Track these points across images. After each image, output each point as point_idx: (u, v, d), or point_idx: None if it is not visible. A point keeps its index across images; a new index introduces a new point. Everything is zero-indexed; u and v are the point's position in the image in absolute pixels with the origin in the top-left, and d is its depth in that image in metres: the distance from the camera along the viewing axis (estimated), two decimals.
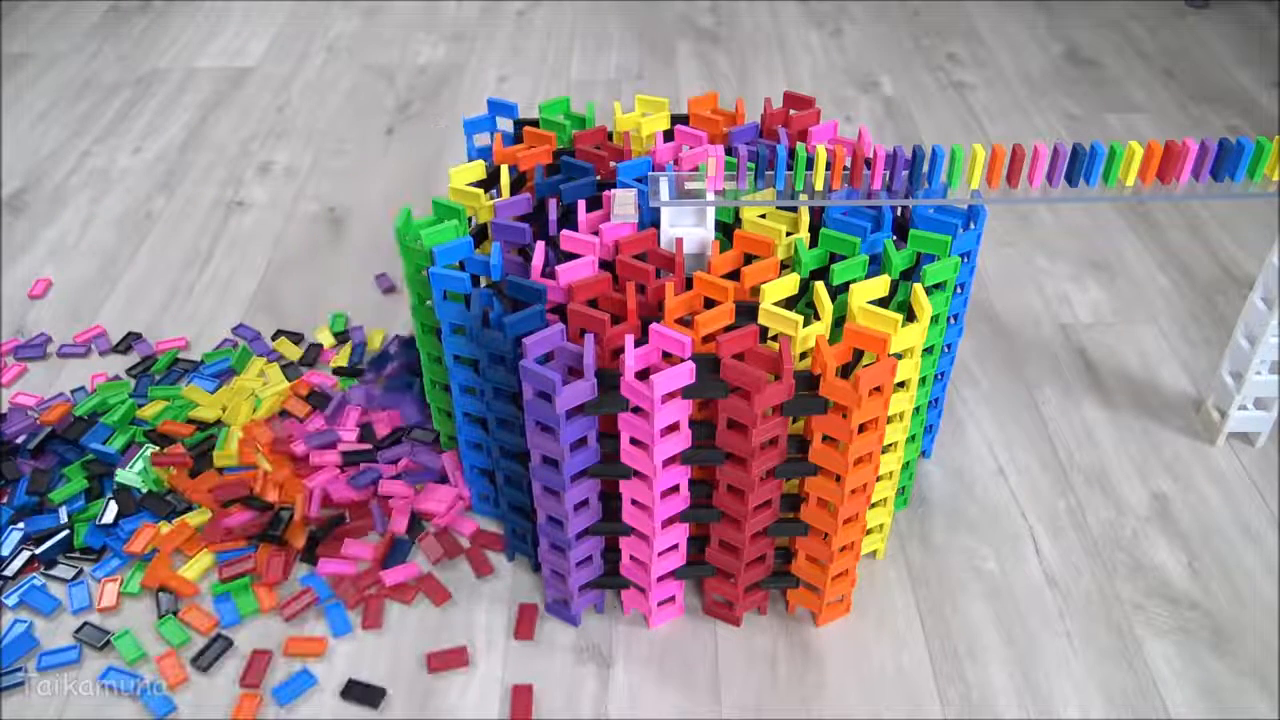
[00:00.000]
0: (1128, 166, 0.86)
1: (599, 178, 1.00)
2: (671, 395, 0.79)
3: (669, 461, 0.83)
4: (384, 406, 1.13)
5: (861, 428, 0.81)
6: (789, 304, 0.88)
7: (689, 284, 0.89)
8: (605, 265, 0.93)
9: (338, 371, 1.19)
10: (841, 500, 0.84)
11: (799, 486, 0.88)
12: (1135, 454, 1.11)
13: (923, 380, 0.94)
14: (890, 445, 0.89)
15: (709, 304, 0.88)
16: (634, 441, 0.83)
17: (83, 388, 1.18)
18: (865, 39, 1.94)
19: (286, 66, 1.87)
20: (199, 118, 1.72)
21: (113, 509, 1.02)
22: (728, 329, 0.84)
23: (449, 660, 0.91)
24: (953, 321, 0.96)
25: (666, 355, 0.82)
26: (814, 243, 0.93)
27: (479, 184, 1.00)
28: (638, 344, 0.81)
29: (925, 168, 0.86)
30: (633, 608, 0.95)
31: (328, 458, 1.07)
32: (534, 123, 1.06)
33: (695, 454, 0.83)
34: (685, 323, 0.85)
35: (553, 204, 0.96)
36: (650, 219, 0.95)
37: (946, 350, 0.99)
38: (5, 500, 1.04)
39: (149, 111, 1.74)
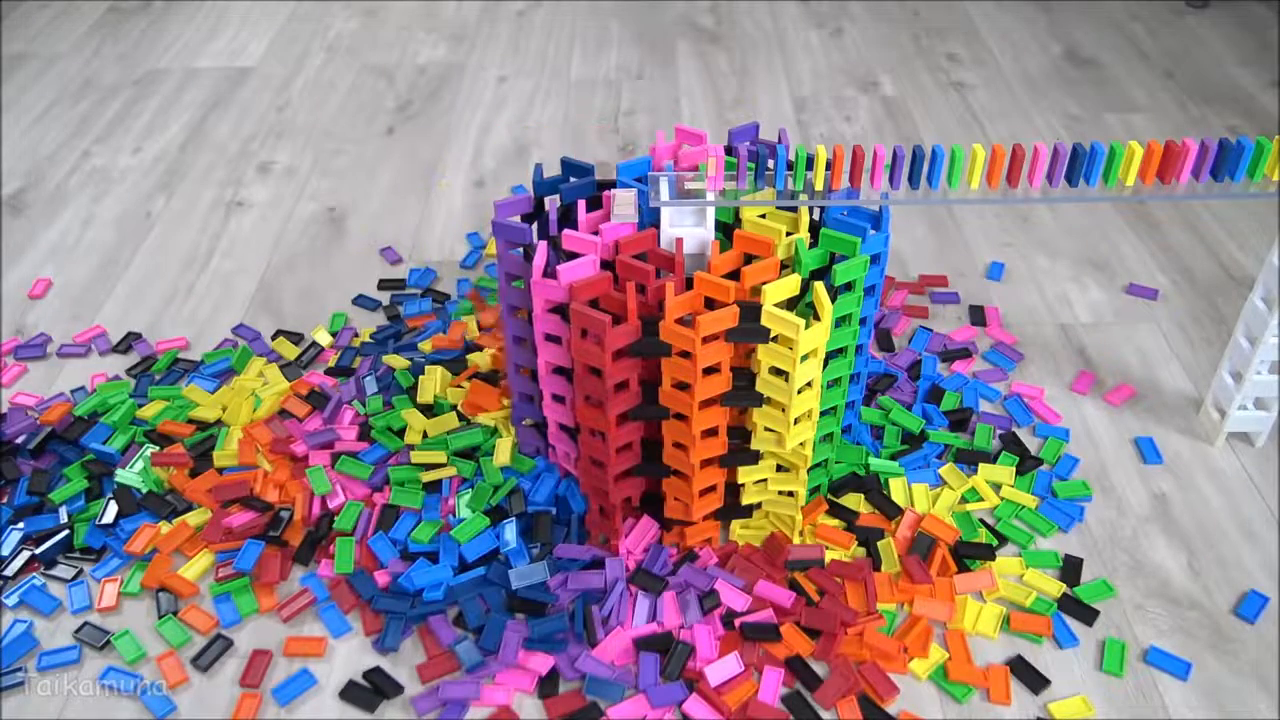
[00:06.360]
0: (1128, 166, 0.86)
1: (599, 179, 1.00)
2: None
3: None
4: None
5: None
6: (789, 304, 0.88)
7: (689, 284, 0.89)
8: (605, 265, 0.93)
9: (330, 372, 1.19)
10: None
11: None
12: (1135, 454, 1.11)
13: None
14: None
15: (709, 304, 0.88)
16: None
17: (83, 388, 1.18)
18: (865, 39, 1.94)
19: (286, 66, 1.87)
20: (199, 118, 1.72)
21: (113, 509, 1.02)
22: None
23: (449, 661, 0.91)
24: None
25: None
26: (814, 242, 0.93)
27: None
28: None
29: (925, 168, 0.86)
30: None
31: (327, 458, 1.07)
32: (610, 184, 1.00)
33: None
34: (685, 323, 0.85)
35: (552, 204, 0.96)
36: (650, 219, 0.95)
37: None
38: (5, 500, 1.04)
39: (149, 111, 1.74)
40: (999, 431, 1.12)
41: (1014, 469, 1.07)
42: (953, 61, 1.86)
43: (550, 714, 0.87)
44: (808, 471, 0.96)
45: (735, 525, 1.00)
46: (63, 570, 0.99)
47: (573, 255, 0.90)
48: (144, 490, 1.04)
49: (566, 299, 0.87)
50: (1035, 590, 0.96)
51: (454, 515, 1.01)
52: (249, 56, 1.90)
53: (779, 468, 0.96)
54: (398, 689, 0.89)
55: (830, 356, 0.92)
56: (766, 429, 0.91)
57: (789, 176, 0.88)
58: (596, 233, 0.93)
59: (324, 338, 1.25)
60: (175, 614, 0.95)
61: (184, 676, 0.90)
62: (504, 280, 0.96)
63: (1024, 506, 1.04)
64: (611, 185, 0.98)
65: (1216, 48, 1.88)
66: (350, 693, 0.89)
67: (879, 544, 0.99)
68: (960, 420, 1.12)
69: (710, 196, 0.89)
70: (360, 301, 1.31)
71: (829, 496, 1.03)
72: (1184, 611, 0.95)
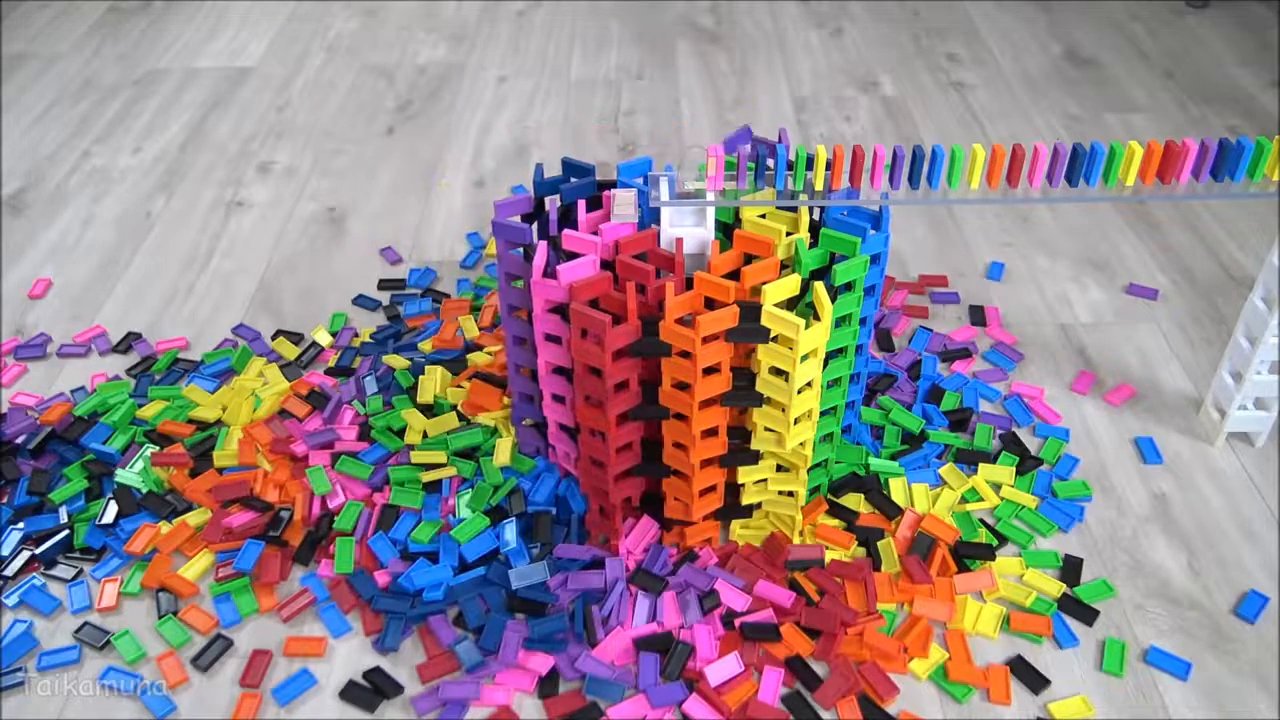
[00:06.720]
0: (1128, 166, 0.86)
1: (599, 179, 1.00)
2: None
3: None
4: None
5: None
6: (789, 304, 0.88)
7: (689, 284, 0.89)
8: (605, 265, 0.93)
9: (330, 372, 1.19)
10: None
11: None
12: (1135, 454, 1.11)
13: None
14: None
15: (709, 304, 0.88)
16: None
17: (83, 388, 1.18)
18: (865, 39, 1.94)
19: (286, 66, 1.87)
20: (199, 118, 1.72)
21: (113, 509, 1.02)
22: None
23: (449, 661, 0.91)
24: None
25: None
26: (814, 242, 0.93)
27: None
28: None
29: (925, 168, 0.86)
30: None
31: (327, 458, 1.07)
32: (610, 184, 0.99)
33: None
34: (685, 323, 0.85)
35: (552, 204, 0.96)
36: (650, 219, 0.95)
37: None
38: (5, 500, 1.04)
39: (149, 111, 1.74)
40: (999, 431, 1.12)
41: (1014, 469, 1.07)
42: (953, 61, 1.86)
43: (550, 714, 0.87)
44: (808, 471, 0.96)
45: (735, 525, 1.00)
46: (63, 570, 0.99)
47: (573, 255, 0.90)
48: (144, 490, 1.04)
49: (566, 299, 0.87)
50: (1035, 590, 0.96)
51: (454, 515, 1.01)
52: (249, 56, 1.90)
53: (779, 468, 0.96)
54: (398, 689, 0.89)
55: (830, 356, 0.92)
56: (766, 429, 0.91)
57: (789, 176, 0.88)
58: (596, 233, 0.93)
59: (324, 338, 1.25)
60: (175, 614, 0.95)
61: (184, 676, 0.90)
62: (504, 280, 0.96)
63: (1024, 506, 1.04)
64: (611, 185, 0.98)
65: (1216, 48, 1.88)
66: (350, 693, 0.89)
67: (879, 544, 0.99)
68: (960, 420, 1.12)
69: (710, 196, 0.89)
70: (360, 301, 1.31)
71: (829, 496, 1.03)
72: (1184, 611, 0.95)
